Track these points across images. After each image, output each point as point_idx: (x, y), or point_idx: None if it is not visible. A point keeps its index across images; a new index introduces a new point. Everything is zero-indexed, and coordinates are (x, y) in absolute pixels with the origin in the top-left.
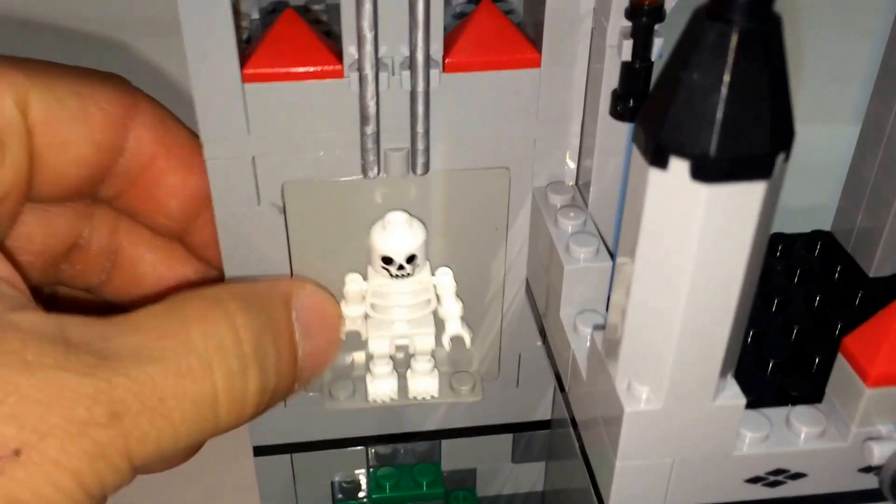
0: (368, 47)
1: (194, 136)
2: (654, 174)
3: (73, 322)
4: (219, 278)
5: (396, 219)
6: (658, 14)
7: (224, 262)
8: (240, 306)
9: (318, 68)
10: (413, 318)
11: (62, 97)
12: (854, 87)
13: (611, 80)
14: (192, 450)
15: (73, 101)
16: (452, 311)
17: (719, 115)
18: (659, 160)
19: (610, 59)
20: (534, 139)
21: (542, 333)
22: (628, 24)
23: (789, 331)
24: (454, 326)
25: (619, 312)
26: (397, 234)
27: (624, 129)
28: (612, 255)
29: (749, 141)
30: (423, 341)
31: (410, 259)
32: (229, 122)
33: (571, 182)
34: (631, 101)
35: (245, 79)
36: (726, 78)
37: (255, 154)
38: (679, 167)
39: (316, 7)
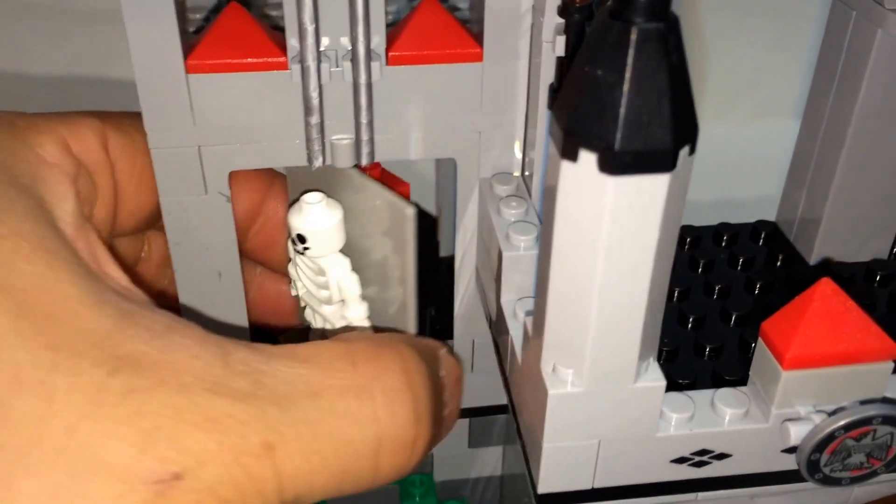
0: (310, 39)
1: None
2: (566, 166)
3: (234, 346)
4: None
5: (309, 197)
6: (589, 11)
7: (171, 251)
8: (413, 353)
9: (262, 60)
10: (322, 298)
11: (131, 133)
12: (798, 81)
13: (548, 74)
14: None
15: (140, 136)
16: (348, 313)
17: (622, 110)
18: (569, 153)
19: (546, 54)
20: (479, 131)
21: (489, 319)
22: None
23: (727, 317)
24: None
25: (541, 297)
26: (297, 210)
27: None
28: None
29: (652, 135)
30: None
31: (301, 238)
32: (174, 112)
33: (517, 173)
34: None
35: (189, 69)
36: (627, 74)
37: (201, 144)
38: (588, 159)
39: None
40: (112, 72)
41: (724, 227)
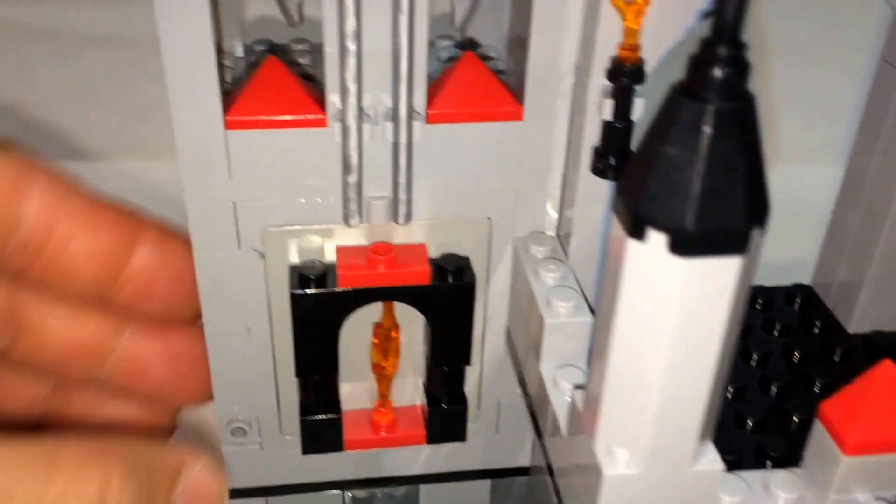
0: (352, 99)
1: (93, 197)
2: (633, 245)
3: None
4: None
5: None
6: (639, 76)
7: (202, 305)
8: (121, 470)
9: (301, 117)
10: None
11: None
12: (838, 128)
13: (592, 136)
14: None
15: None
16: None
17: (696, 190)
18: (637, 232)
19: (591, 116)
20: (515, 190)
21: (522, 382)
22: (609, 82)
23: (768, 388)
24: None
25: (598, 376)
26: None
27: (604, 183)
28: (592, 310)
29: (725, 216)
30: None
31: None
32: (211, 167)
33: (552, 232)
34: (611, 159)
35: (228, 125)
36: (702, 155)
37: (237, 199)
38: (657, 240)
39: (299, 47)
40: (123, 94)
41: (759, 291)
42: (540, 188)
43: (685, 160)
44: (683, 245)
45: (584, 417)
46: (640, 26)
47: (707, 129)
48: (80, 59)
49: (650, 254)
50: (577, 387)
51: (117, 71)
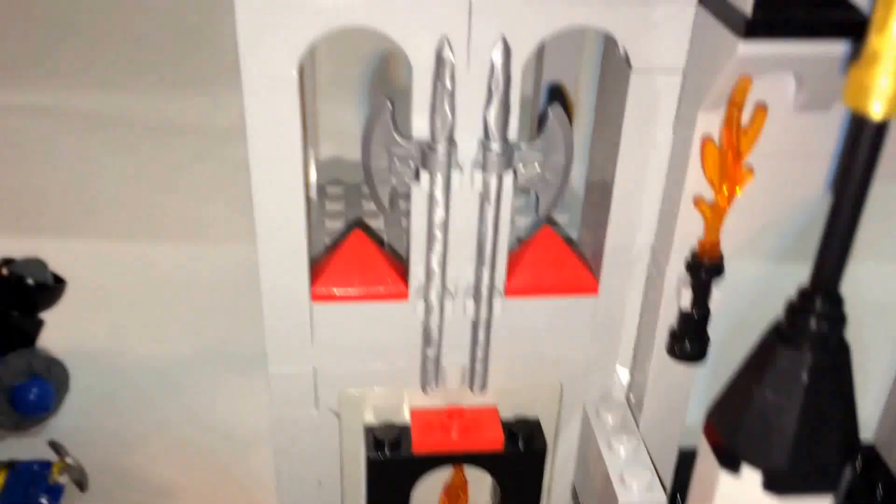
0: (436, 280)
1: None
2: (725, 476)
3: None
4: None
5: None
6: (718, 271)
7: (275, 461)
8: None
9: (385, 290)
10: None
11: None
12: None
13: (667, 316)
14: None
15: None
16: None
17: (791, 432)
18: (731, 465)
19: (667, 300)
20: (587, 357)
21: None
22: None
23: None
24: None
25: None
26: None
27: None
28: (664, 486)
29: (819, 458)
30: None
31: None
32: (295, 336)
33: (621, 394)
34: (687, 345)
35: (314, 298)
36: (798, 402)
37: (317, 365)
38: (751, 475)
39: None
40: (178, 183)
41: None
42: (611, 355)
43: (782, 405)
44: (778, 483)
45: None
46: (721, 226)
47: (804, 379)
48: (140, 146)
49: (743, 487)
50: None
51: (175, 158)
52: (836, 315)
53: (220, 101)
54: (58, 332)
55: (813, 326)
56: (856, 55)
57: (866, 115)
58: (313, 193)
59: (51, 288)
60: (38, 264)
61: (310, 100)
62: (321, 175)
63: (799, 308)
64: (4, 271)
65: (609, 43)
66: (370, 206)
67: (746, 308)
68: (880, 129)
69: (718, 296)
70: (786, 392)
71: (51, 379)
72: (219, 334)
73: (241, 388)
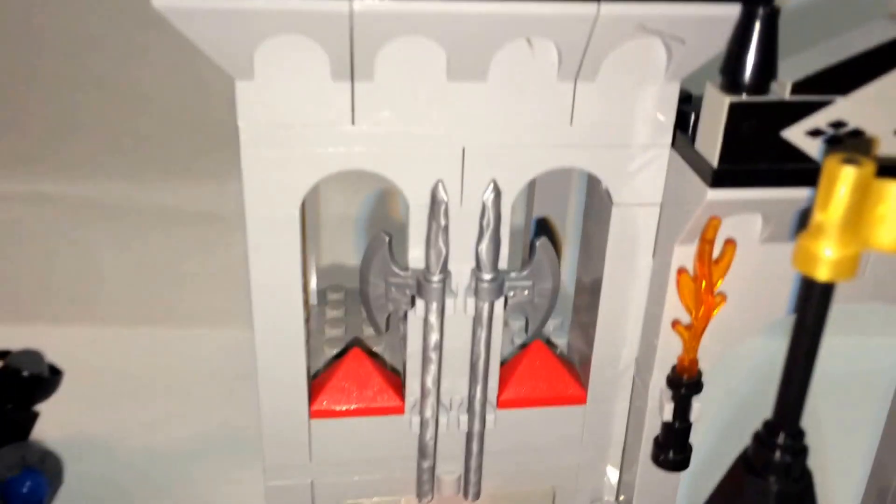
0: (431, 398)
1: None
2: None
3: None
4: None
5: None
6: (697, 387)
7: None
8: None
9: (382, 406)
10: None
11: None
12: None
13: (651, 426)
14: None
15: None
16: None
17: None
18: None
19: (651, 412)
20: (578, 463)
21: None
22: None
23: None
24: None
25: None
26: None
27: None
28: None
29: None
30: None
31: None
32: (292, 451)
33: (612, 495)
34: (671, 453)
35: (312, 415)
36: None
37: (315, 478)
38: None
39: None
40: (177, 270)
41: None
42: (601, 459)
43: None
44: None
45: None
46: (698, 346)
47: None
48: (142, 234)
49: None
50: None
51: (175, 245)
52: (798, 447)
53: (223, 189)
54: (53, 421)
55: (777, 458)
56: (802, 226)
57: (813, 278)
58: (313, 300)
59: (47, 380)
60: (34, 356)
61: (311, 203)
62: (321, 280)
63: (764, 441)
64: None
65: (592, 180)
66: None
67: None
68: (826, 288)
69: (698, 407)
70: None
71: (44, 471)
72: (219, 421)
73: (241, 475)
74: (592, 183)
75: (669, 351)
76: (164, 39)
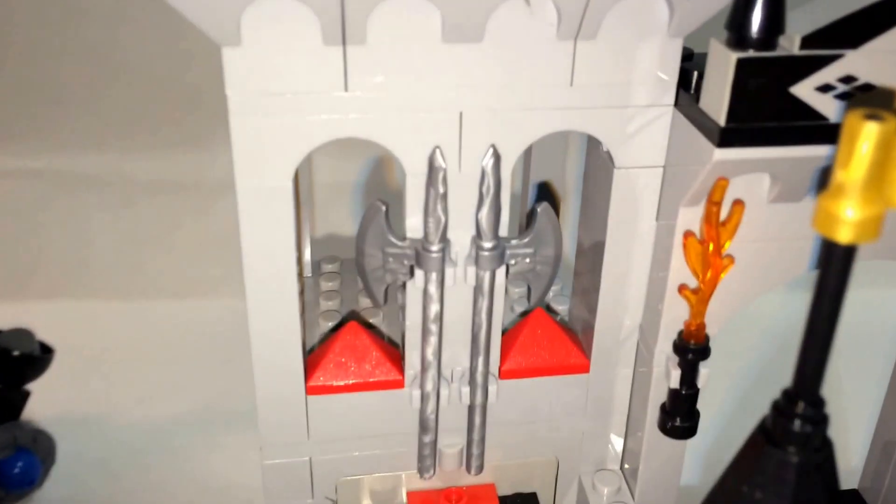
0: (432, 371)
1: None
2: None
3: None
4: None
5: None
6: (704, 353)
7: None
8: None
9: (381, 380)
10: None
11: None
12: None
13: (657, 393)
14: None
15: None
16: None
17: None
18: None
19: (657, 379)
20: (582, 432)
21: None
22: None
23: None
24: None
25: None
26: None
27: None
28: None
29: None
30: None
31: None
32: (290, 428)
33: (616, 463)
34: (678, 420)
35: (309, 391)
36: (787, 500)
37: (313, 456)
38: None
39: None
40: (170, 240)
41: None
42: (605, 428)
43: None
44: None
45: None
46: (706, 310)
47: (790, 479)
48: (131, 205)
49: None
50: None
51: (166, 215)
52: (818, 417)
53: (213, 157)
54: (45, 400)
55: (797, 428)
56: (823, 186)
57: (835, 240)
58: (307, 271)
59: (38, 359)
60: (24, 335)
61: (303, 171)
62: (316, 251)
63: (783, 410)
64: None
65: (592, 142)
66: None
67: None
68: (848, 251)
69: (706, 373)
70: (775, 492)
71: (36, 451)
72: (212, 392)
73: (236, 445)
74: (592, 145)
75: (674, 316)
76: (149, 8)
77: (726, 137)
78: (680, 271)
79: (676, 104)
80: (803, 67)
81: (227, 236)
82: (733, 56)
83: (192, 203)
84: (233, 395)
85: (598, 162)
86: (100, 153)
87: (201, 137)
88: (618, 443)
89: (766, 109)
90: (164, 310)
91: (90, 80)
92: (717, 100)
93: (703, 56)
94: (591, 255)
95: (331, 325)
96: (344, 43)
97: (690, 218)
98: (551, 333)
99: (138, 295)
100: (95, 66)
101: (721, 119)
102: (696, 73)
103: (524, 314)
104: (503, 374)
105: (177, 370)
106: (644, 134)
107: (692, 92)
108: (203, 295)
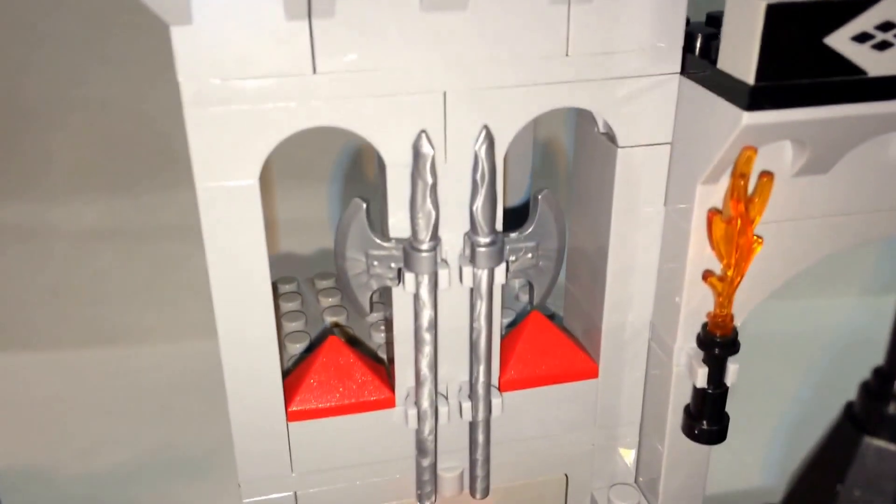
0: (428, 385)
1: None
2: None
3: None
4: None
5: None
6: (732, 346)
7: None
8: None
9: (368, 399)
10: None
11: None
12: None
13: (678, 395)
14: None
15: None
16: None
17: None
18: None
19: (677, 378)
20: (591, 443)
21: None
22: (694, 345)
23: None
24: None
25: None
26: None
27: None
28: None
29: None
30: None
31: None
32: (271, 461)
33: (627, 477)
34: (705, 423)
35: (290, 417)
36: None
37: (298, 490)
38: None
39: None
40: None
41: None
42: (616, 439)
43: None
44: None
45: None
46: (734, 298)
47: (893, 471)
48: (57, 255)
49: None
50: None
51: (104, 262)
52: None
53: (178, 200)
54: None
55: (893, 411)
56: None
57: None
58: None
59: None
60: None
61: None
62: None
63: (875, 392)
64: None
65: (583, 120)
66: (330, 301)
67: None
68: None
69: (735, 369)
70: (878, 490)
71: None
72: (158, 440)
73: (188, 494)
74: (583, 123)
75: (694, 308)
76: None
77: (756, 98)
78: (698, 258)
79: (683, 71)
80: (839, 14)
81: (157, 282)
82: (762, 3)
83: (120, 249)
84: (181, 442)
85: (593, 142)
86: (53, 203)
87: (169, 183)
88: (628, 454)
89: (798, 65)
90: (101, 358)
91: (49, 125)
92: (743, 56)
93: (700, 24)
94: (590, 247)
95: (300, 346)
96: (310, 16)
97: (709, 197)
98: (552, 337)
99: (74, 344)
100: (55, 111)
101: (749, 77)
102: (699, 36)
103: (512, 325)
104: (503, 386)
105: (119, 419)
106: (649, 108)
107: (697, 54)
108: (137, 342)
